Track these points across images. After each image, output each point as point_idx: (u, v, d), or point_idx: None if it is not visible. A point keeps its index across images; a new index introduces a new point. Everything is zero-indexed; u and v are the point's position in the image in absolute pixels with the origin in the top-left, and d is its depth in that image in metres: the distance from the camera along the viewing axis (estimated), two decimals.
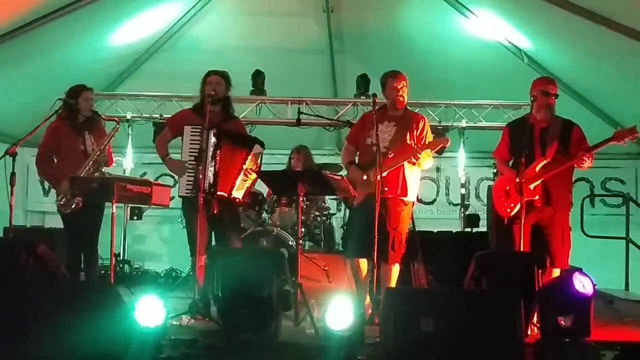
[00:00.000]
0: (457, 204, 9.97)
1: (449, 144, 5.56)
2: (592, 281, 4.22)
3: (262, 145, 5.61)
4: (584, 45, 7.70)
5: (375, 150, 5.27)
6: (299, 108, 8.75)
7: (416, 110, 8.91)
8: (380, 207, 5.17)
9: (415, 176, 5.54)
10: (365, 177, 5.40)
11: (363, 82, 8.91)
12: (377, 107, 5.47)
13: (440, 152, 9.01)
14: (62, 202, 5.70)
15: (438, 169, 10.44)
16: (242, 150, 5.49)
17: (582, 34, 7.28)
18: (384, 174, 5.26)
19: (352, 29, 9.25)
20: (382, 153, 5.31)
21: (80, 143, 5.82)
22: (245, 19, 9.08)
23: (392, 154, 5.34)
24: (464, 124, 9.05)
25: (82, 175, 5.61)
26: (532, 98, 5.35)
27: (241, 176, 5.47)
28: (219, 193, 5.40)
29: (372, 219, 5.10)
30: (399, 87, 5.55)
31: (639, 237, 8.12)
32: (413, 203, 5.64)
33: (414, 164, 5.40)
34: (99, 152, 5.78)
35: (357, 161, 5.71)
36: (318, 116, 8.66)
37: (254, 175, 5.56)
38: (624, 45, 6.74)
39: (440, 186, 10.59)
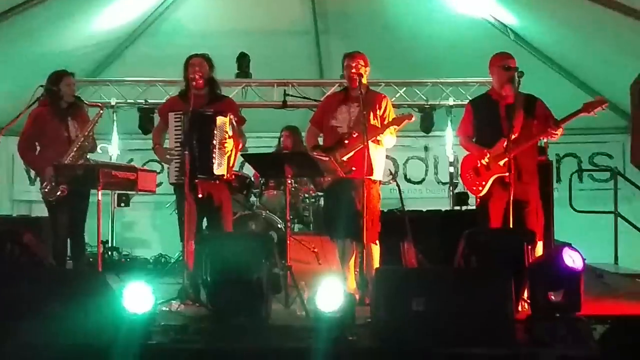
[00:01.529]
0: (446, 183, 9.98)
1: (413, 119, 5.60)
2: (581, 256, 4.23)
3: (224, 115, 5.49)
4: (570, 21, 7.67)
5: (340, 132, 5.45)
6: (285, 90, 8.70)
7: (403, 90, 8.94)
8: (347, 187, 5.28)
9: (380, 155, 5.54)
10: (331, 159, 5.37)
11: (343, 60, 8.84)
12: (340, 89, 5.49)
13: (427, 130, 9.13)
14: (46, 190, 5.63)
15: (426, 148, 10.41)
16: (209, 127, 5.42)
17: (567, 9, 7.25)
18: (350, 155, 5.33)
19: (336, 8, 9.18)
20: (346, 133, 5.41)
21: (63, 129, 5.75)
22: (228, 1, 9.00)
23: (356, 134, 5.33)
24: (451, 102, 9.03)
25: (66, 162, 5.55)
26: (493, 74, 5.42)
27: (216, 151, 5.39)
28: (200, 176, 5.34)
29: (347, 200, 5.24)
30: (353, 64, 5.50)
31: (627, 211, 8.17)
32: (380, 181, 5.63)
33: (377, 142, 5.42)
34: (83, 139, 5.71)
35: (321, 143, 5.71)
36: (304, 98, 8.61)
37: (230, 145, 5.46)
38: (611, 20, 6.73)
39: (428, 165, 10.56)
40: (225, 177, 5.44)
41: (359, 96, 5.44)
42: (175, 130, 5.41)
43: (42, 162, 5.74)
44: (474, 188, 5.39)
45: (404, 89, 9.00)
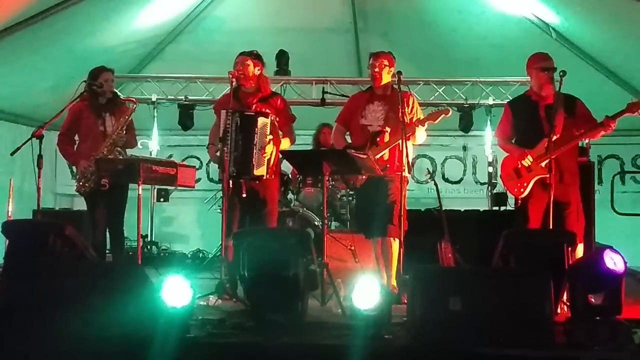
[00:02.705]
0: (485, 183, 9.89)
1: (450, 114, 5.58)
2: (623, 258, 4.15)
3: (265, 116, 5.54)
4: (614, 19, 7.53)
5: (370, 131, 5.48)
6: (323, 88, 8.72)
7: (442, 89, 8.88)
8: (381, 185, 5.31)
9: (410, 151, 5.49)
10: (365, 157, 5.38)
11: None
12: (365, 89, 5.50)
13: (466, 130, 9.06)
14: (80, 183, 5.74)
15: (465, 148, 10.35)
16: (251, 128, 5.47)
17: (611, 6, 7.14)
18: (383, 153, 5.38)
19: (376, 7, 9.16)
20: (378, 132, 5.44)
21: (99, 124, 5.81)
22: None
23: (388, 131, 5.38)
24: (490, 101, 8.95)
25: (99, 156, 5.61)
26: (531, 75, 5.38)
27: (256, 152, 5.43)
28: (242, 176, 5.39)
29: (381, 197, 5.28)
30: (377, 64, 5.55)
31: None
32: (407, 179, 5.62)
33: (408, 139, 5.37)
34: (115, 134, 5.76)
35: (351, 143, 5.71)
36: (343, 95, 8.58)
37: (270, 148, 5.51)
38: None
39: (467, 165, 10.50)
40: (265, 178, 5.49)
41: (386, 95, 5.48)
42: (225, 128, 5.46)
43: (77, 155, 5.85)
44: (515, 190, 5.34)
45: (443, 87, 8.95)
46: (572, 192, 5.25)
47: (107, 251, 6.10)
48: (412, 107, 5.56)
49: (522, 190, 5.28)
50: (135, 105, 5.90)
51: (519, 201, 5.40)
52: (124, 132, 5.81)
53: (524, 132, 5.40)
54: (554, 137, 5.08)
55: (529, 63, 5.44)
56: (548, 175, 5.05)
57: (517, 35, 8.58)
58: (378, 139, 5.42)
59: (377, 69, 5.54)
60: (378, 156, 5.37)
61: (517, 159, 5.33)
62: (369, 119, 5.55)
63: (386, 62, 5.56)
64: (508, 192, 5.52)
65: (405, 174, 5.45)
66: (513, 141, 5.51)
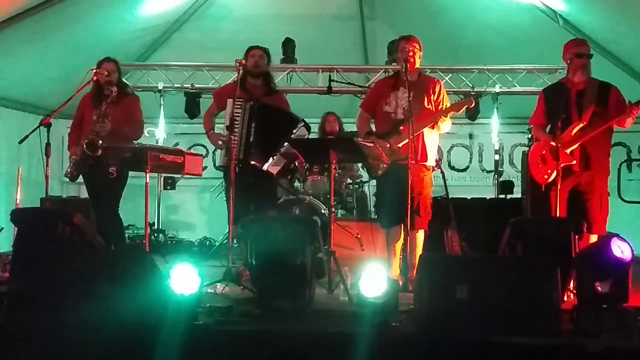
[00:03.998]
0: (491, 171, 9.88)
1: (473, 104, 5.55)
2: (630, 246, 4.16)
3: (307, 128, 5.66)
4: (621, 6, 7.49)
5: (394, 118, 5.38)
6: (329, 76, 8.70)
7: (448, 76, 8.86)
8: (402, 174, 5.17)
9: (434, 140, 5.53)
10: (388, 145, 5.35)
11: (394, 49, 8.81)
12: (391, 74, 5.44)
13: (473, 117, 9.04)
14: (67, 170, 5.94)
15: (471, 136, 10.33)
16: (284, 129, 5.53)
17: None
18: (405, 141, 5.23)
19: None
20: (401, 120, 5.34)
21: (95, 114, 5.87)
22: None
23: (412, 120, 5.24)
24: (497, 89, 8.93)
25: (85, 143, 5.71)
26: (567, 62, 5.24)
27: (278, 155, 5.50)
28: (252, 163, 5.43)
29: (401, 186, 5.12)
30: (410, 47, 5.44)
31: None
32: (433, 168, 5.60)
33: (433, 127, 5.38)
34: (98, 123, 5.78)
35: (374, 130, 5.66)
36: (349, 84, 8.59)
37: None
38: None
39: (473, 153, 10.48)
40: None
41: (413, 81, 5.38)
42: (230, 114, 5.48)
43: (70, 144, 6.10)
44: (540, 175, 5.28)
45: (450, 75, 8.93)
46: (597, 180, 5.18)
47: None
48: (439, 95, 5.49)
49: (546, 177, 5.20)
50: (114, 94, 5.81)
51: (543, 187, 5.32)
52: (105, 121, 5.78)
53: (555, 118, 5.26)
54: (581, 125, 5.05)
55: (564, 49, 5.32)
56: (573, 162, 5.02)
57: (524, 22, 8.54)
58: (401, 128, 5.33)
59: (410, 53, 5.42)
60: (401, 144, 5.28)
61: (544, 146, 5.28)
62: (393, 106, 5.46)
63: (418, 47, 5.48)
64: (534, 178, 5.42)
65: (430, 163, 5.45)
66: (548, 129, 5.43)
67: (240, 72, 5.53)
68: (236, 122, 5.48)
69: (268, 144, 5.58)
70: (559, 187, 4.97)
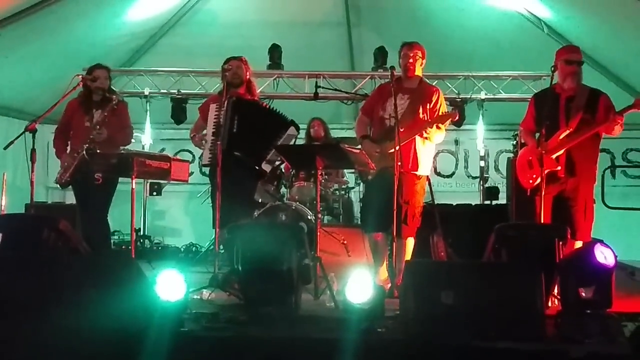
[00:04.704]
0: (476, 177, 9.93)
1: (456, 118, 5.54)
2: (613, 252, 4.19)
3: (297, 128, 5.65)
4: (606, 14, 7.56)
5: (388, 124, 5.37)
6: (316, 82, 8.70)
7: (434, 83, 8.87)
8: (390, 180, 5.15)
9: (427, 150, 5.50)
10: (378, 151, 5.37)
11: (380, 55, 8.86)
12: (395, 79, 5.43)
13: (459, 124, 9.09)
14: (58, 176, 5.88)
15: (457, 142, 10.37)
16: (272, 128, 5.53)
17: (603, 2, 7.15)
18: (396, 148, 5.20)
19: (369, 1, 9.17)
20: (394, 126, 5.29)
21: (86, 120, 5.85)
22: None
23: (403, 129, 5.22)
24: (483, 95, 8.99)
25: (81, 151, 5.67)
26: (554, 67, 5.27)
27: (273, 152, 5.50)
28: (235, 153, 5.39)
29: (388, 193, 5.11)
30: (411, 54, 5.48)
31: None
32: (427, 177, 5.62)
33: (426, 138, 5.39)
34: (95, 130, 5.75)
35: (370, 134, 5.65)
36: (336, 90, 8.61)
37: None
38: None
39: (459, 159, 10.52)
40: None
41: (412, 88, 5.42)
42: (214, 118, 5.48)
43: (60, 151, 6.01)
44: (526, 180, 5.32)
45: (435, 82, 8.93)
46: (582, 187, 5.20)
47: None
48: (436, 104, 5.48)
49: (531, 182, 5.22)
50: (115, 102, 5.85)
51: (528, 192, 5.35)
52: (102, 128, 5.77)
53: (543, 124, 5.28)
54: (568, 131, 5.08)
55: (556, 55, 5.35)
56: (558, 169, 5.06)
57: (509, 30, 8.61)
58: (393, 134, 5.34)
59: (411, 60, 5.46)
60: (392, 150, 5.23)
61: (531, 152, 5.32)
62: (388, 111, 5.44)
63: (420, 54, 5.51)
64: (521, 183, 5.45)
65: (422, 172, 5.46)
66: (537, 134, 5.45)
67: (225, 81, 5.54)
68: (217, 120, 5.44)
69: (256, 139, 5.53)
70: (543, 194, 5.00)
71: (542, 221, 5.00)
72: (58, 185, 5.97)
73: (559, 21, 8.39)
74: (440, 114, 5.44)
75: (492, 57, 8.97)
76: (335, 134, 8.48)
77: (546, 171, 5.08)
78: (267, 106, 5.89)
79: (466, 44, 9.00)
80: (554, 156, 5.12)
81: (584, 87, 5.23)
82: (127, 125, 6.12)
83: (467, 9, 8.69)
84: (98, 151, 5.65)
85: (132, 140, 6.30)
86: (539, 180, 5.13)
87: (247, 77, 5.76)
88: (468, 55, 9.13)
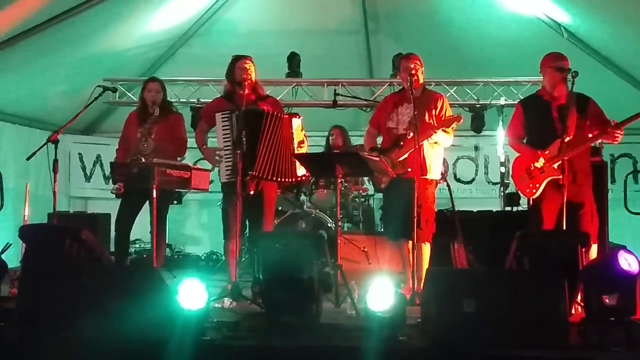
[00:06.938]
0: (497, 183, 9.86)
1: (461, 121, 5.58)
2: (637, 259, 4.15)
3: (296, 116, 5.71)
4: (625, 17, 7.49)
5: (396, 133, 5.54)
6: (335, 89, 8.71)
7: (454, 89, 8.88)
8: (404, 187, 5.28)
9: (436, 154, 5.61)
10: (389, 160, 5.46)
11: (396, 66, 8.85)
12: (397, 90, 5.52)
13: (478, 130, 9.05)
14: (115, 186, 5.87)
15: (477, 148, 10.31)
16: (286, 127, 5.52)
17: (622, 5, 7.10)
18: (405, 156, 5.38)
19: (387, 8, 9.15)
20: (402, 135, 5.49)
21: (139, 132, 5.92)
22: (279, 2, 9.05)
23: (411, 135, 5.33)
24: (502, 101, 8.92)
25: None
26: (545, 74, 5.33)
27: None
28: (249, 174, 5.39)
29: (403, 200, 5.24)
30: (412, 65, 5.55)
31: None
32: (437, 181, 5.68)
33: (435, 142, 5.49)
34: (141, 142, 5.82)
35: (380, 145, 5.78)
36: (354, 97, 8.62)
37: (306, 146, 5.64)
38: None
39: (479, 165, 10.46)
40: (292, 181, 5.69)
41: (416, 96, 5.45)
42: (224, 129, 5.49)
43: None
44: (527, 190, 5.34)
45: (455, 88, 8.94)
46: (585, 192, 5.25)
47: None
48: (441, 109, 5.60)
49: (534, 191, 5.28)
50: (156, 114, 5.91)
51: (531, 201, 5.40)
52: (148, 139, 5.84)
53: (535, 132, 5.39)
54: (567, 139, 5.08)
55: (543, 62, 5.43)
56: (561, 177, 5.04)
57: (528, 35, 8.55)
58: (402, 142, 5.45)
59: (413, 71, 5.52)
60: (401, 158, 5.42)
61: (529, 160, 5.33)
62: (395, 122, 5.61)
63: (419, 63, 5.61)
64: (520, 192, 5.51)
65: (432, 176, 5.50)
66: (524, 141, 5.50)
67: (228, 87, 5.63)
68: (226, 136, 5.48)
69: (283, 152, 5.55)
70: (543, 203, 5.04)
71: (547, 229, 5.04)
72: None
73: (578, 25, 8.33)
74: (445, 118, 5.53)
75: (511, 62, 8.91)
76: (354, 141, 8.47)
77: (549, 179, 5.13)
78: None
79: (485, 50, 8.97)
80: (555, 165, 5.13)
81: (571, 93, 5.22)
82: (180, 137, 6.15)
83: (486, 16, 8.63)
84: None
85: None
86: (541, 189, 5.22)
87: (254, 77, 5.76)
88: (487, 61, 9.08)
